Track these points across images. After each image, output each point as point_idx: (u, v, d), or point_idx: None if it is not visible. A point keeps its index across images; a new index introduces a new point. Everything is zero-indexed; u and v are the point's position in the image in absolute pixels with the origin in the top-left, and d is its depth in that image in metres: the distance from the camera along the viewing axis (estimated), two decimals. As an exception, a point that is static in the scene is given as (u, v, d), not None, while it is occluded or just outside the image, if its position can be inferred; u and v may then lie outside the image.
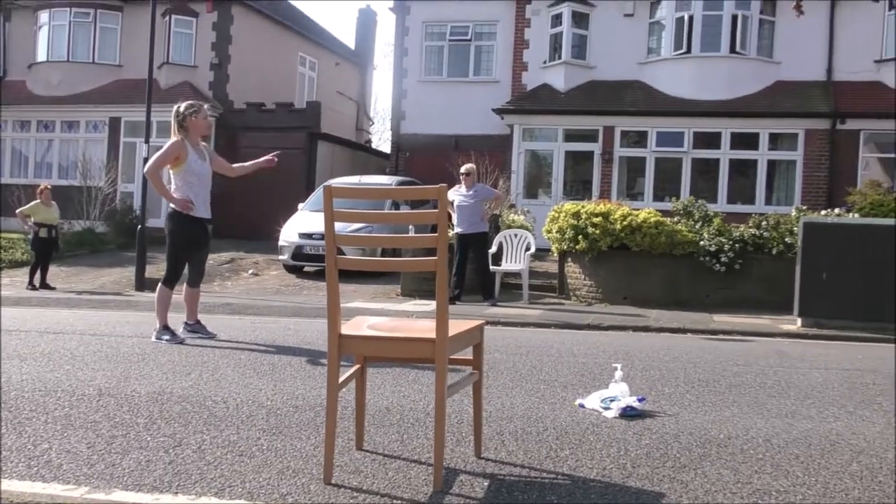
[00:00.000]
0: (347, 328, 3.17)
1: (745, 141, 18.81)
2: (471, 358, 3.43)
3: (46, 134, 23.58)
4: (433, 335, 2.96)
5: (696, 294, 11.39)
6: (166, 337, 6.74)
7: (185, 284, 7.14)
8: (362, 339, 3.12)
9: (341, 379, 3.11)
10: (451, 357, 3.13)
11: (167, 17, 21.94)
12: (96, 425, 3.72)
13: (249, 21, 23.58)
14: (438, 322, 2.95)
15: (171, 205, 6.86)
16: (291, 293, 13.09)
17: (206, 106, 7.33)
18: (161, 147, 6.95)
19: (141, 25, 19.65)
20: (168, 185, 6.92)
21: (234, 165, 7.45)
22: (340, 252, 3.17)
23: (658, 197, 18.40)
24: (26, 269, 14.29)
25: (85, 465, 3.08)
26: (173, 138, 6.81)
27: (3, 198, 20.20)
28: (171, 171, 6.89)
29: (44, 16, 23.51)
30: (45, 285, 13.67)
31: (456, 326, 3.17)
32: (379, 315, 9.42)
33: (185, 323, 7.11)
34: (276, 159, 7.28)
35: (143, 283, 13.55)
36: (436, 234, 2.94)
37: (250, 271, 15.66)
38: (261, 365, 5.56)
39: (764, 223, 11.62)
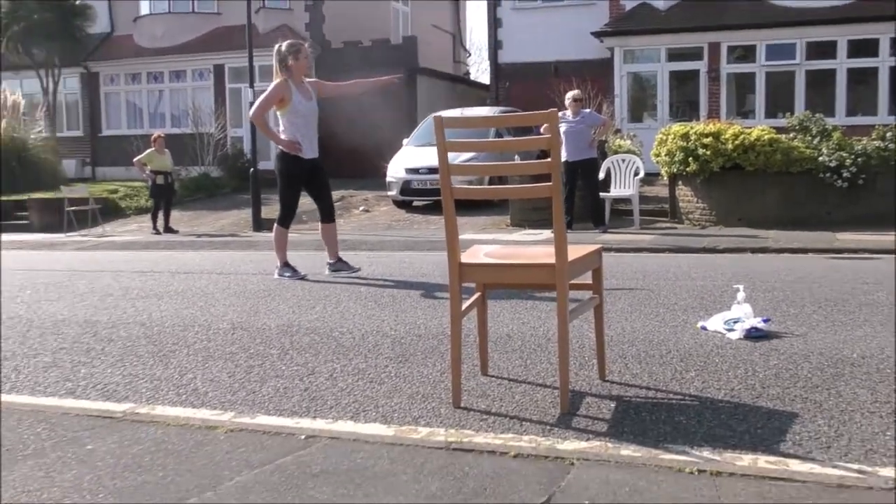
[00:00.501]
0: (466, 257, 3.21)
1: (864, 48, 17.64)
2: (590, 282, 3.42)
3: (156, 85, 24.40)
4: (552, 261, 2.97)
5: (816, 212, 10.95)
6: (287, 274, 6.94)
7: (319, 223, 7.23)
8: (482, 266, 3.15)
9: (463, 307, 3.16)
10: (571, 282, 3.14)
11: (262, -39, 22.14)
12: (234, 356, 3.93)
13: (343, -42, 23.54)
14: (557, 247, 2.94)
15: (279, 146, 6.93)
16: (402, 227, 13.30)
17: (306, 44, 7.28)
18: (265, 90, 7.00)
19: (238, -29, 19.89)
20: (276, 128, 7.01)
21: (351, 82, 7.35)
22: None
23: (770, 113, 17.60)
24: (150, 216, 14.98)
25: (228, 393, 3.27)
26: (276, 80, 6.81)
27: (123, 148, 21.14)
28: (277, 113, 6.92)
29: (144, -31, 24.14)
30: (168, 229, 14.34)
31: (574, 251, 3.16)
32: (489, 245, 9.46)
33: (328, 263, 7.15)
34: (397, 80, 7.25)
35: (259, 224, 14.03)
36: (548, 160, 2.92)
37: (361, 208, 15.96)
38: (381, 297, 5.71)
39: (889, 134, 11.00)
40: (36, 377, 3.61)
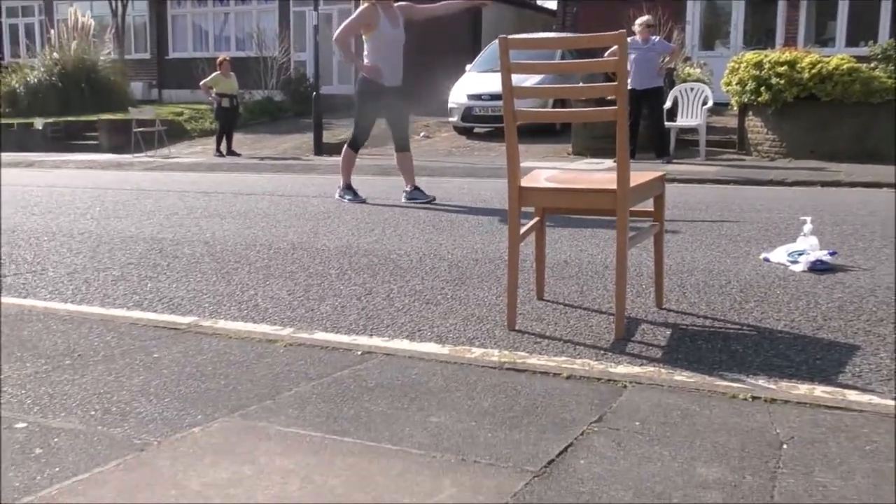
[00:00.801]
0: (527, 181, 3.18)
1: (958, -28, 16.63)
2: (651, 210, 3.37)
3: (222, 7, 24.42)
4: (614, 186, 2.92)
5: (893, 146, 10.51)
6: (349, 196, 6.98)
7: (395, 153, 7.09)
8: (542, 190, 3.12)
9: (522, 231, 3.15)
10: (632, 209, 3.09)
11: None
12: (293, 275, 4.00)
13: None
14: (620, 173, 2.90)
15: (360, 71, 6.78)
16: (463, 154, 13.23)
17: None
18: (330, 13, 6.90)
19: None
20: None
21: (441, 3, 7.07)
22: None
23: (852, 42, 16.79)
24: (214, 138, 15.19)
25: (287, 310, 3.35)
26: (364, 4, 6.64)
27: (189, 71, 21.34)
28: (364, 37, 6.75)
29: None
30: (231, 152, 14.52)
31: (636, 178, 3.10)
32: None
33: (403, 191, 7.05)
34: (489, 1, 7.04)
35: (320, 148, 14.12)
36: (614, 84, 2.85)
37: (422, 134, 15.90)
38: (439, 222, 5.72)
39: (978, 65, 10.44)
40: (105, 289, 3.74)
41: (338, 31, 6.74)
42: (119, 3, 23.40)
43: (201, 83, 15.07)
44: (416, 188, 7.02)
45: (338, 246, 4.77)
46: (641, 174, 3.24)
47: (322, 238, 5.07)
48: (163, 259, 4.43)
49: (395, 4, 6.81)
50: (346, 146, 7.11)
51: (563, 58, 12.36)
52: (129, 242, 4.99)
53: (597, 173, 3.41)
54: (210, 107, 15.99)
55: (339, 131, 16.52)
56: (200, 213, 6.42)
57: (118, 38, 23.02)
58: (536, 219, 3.38)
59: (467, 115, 14.71)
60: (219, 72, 14.77)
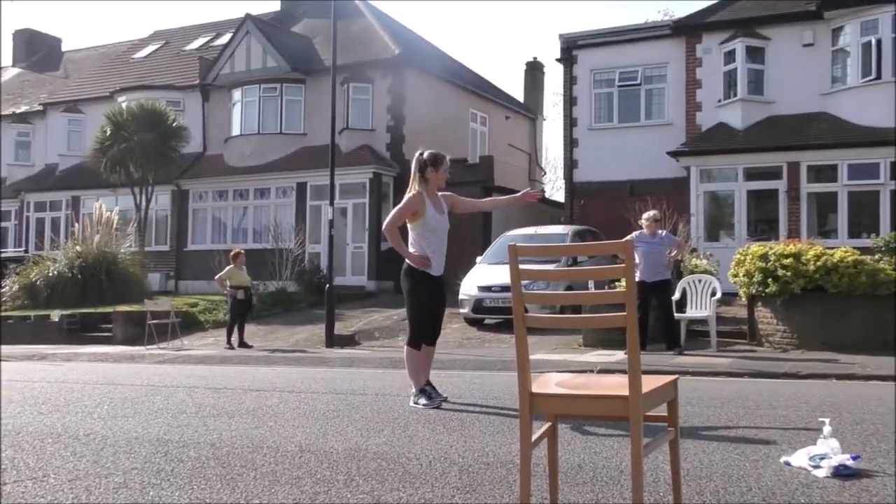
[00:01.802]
0: (537, 386, 3.15)
1: (951, 167, 17.25)
2: (665, 415, 3.31)
3: (241, 202, 25.42)
4: (626, 392, 2.89)
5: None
6: (423, 401, 6.37)
7: (423, 346, 6.60)
8: (554, 397, 3.08)
9: (534, 438, 3.08)
10: (645, 414, 3.04)
11: (345, 86, 23.21)
12: (300, 482, 3.89)
13: (421, 82, 24.53)
14: (631, 379, 2.87)
15: (407, 261, 6.49)
16: (473, 346, 13.23)
17: (448, 157, 6.73)
18: (394, 206, 6.50)
19: (322, 95, 20.88)
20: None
21: (488, 200, 6.93)
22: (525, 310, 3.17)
23: (854, 234, 17.22)
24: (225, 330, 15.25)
25: (292, 522, 3.22)
26: (412, 191, 6.45)
27: (206, 262, 21.88)
28: (408, 225, 6.51)
29: (237, 94, 25.60)
30: (243, 344, 14.56)
31: (649, 382, 3.07)
32: (563, 366, 9.29)
33: (422, 389, 6.54)
34: (537, 199, 6.82)
35: (332, 340, 14.14)
36: (623, 290, 2.89)
37: (431, 325, 15.97)
38: (450, 421, 5.63)
39: (981, 257, 10.59)
40: (106, 497, 3.63)
41: (387, 220, 6.53)
42: (144, 198, 24.39)
43: (216, 277, 15.36)
44: (429, 383, 6.64)
45: (346, 448, 4.67)
46: (654, 378, 3.21)
47: (331, 439, 4.98)
48: (167, 463, 4.33)
49: (440, 193, 6.66)
50: (406, 346, 6.63)
51: (571, 260, 12.49)
52: (134, 444, 4.91)
53: (608, 377, 3.38)
54: (224, 298, 16.22)
55: (350, 322, 16.67)
56: (209, 410, 6.35)
57: (140, 230, 23.81)
58: (549, 424, 3.31)
59: (478, 306, 14.85)
60: (233, 265, 15.09)
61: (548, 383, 3.27)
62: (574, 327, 11.27)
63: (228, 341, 14.60)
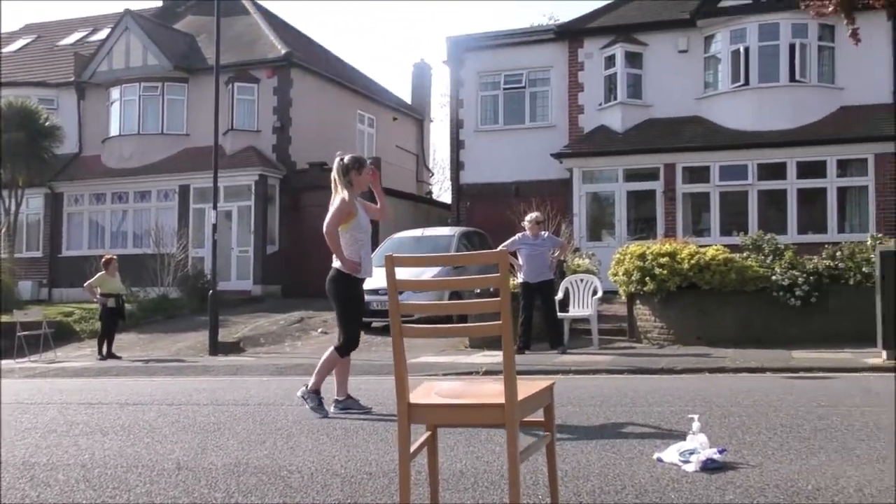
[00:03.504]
0: (416, 396, 3.17)
1: (813, 169, 18.37)
2: (542, 419, 3.38)
3: (120, 205, 24.44)
4: (502, 400, 2.94)
5: (772, 331, 11.08)
6: (311, 403, 6.33)
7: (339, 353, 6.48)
8: (431, 407, 3.10)
9: (413, 447, 3.09)
10: (522, 420, 3.10)
11: (230, 86, 22.68)
12: (176, 501, 3.77)
13: (308, 84, 24.22)
14: (507, 388, 2.92)
15: (336, 265, 6.37)
16: (360, 350, 13.04)
17: (368, 160, 6.68)
18: (332, 208, 6.36)
19: (206, 95, 20.31)
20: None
21: (380, 201, 6.75)
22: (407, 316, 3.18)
23: (725, 232, 18.07)
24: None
25: (166, 545, 3.12)
26: (342, 194, 6.33)
27: (82, 269, 20.93)
28: (339, 230, 6.38)
29: (115, 92, 24.57)
30: (111, 355, 13.90)
31: (525, 389, 3.13)
32: (450, 368, 9.34)
33: (336, 400, 6.51)
34: (374, 168, 6.65)
35: (216, 348, 13.77)
36: (497, 299, 2.94)
37: (319, 330, 15.82)
38: (333, 430, 5.57)
39: (838, 253, 11.31)
40: (-37, 528, 3.43)
41: (327, 224, 6.34)
42: (13, 201, 23.10)
43: (85, 284, 14.71)
44: (350, 396, 6.58)
45: (226, 463, 4.55)
46: (531, 384, 3.27)
47: (210, 455, 4.84)
48: (32, 489, 4.11)
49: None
50: (333, 349, 6.47)
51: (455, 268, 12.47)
52: (-3, 468, 4.63)
53: (489, 384, 3.42)
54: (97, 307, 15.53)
55: (235, 328, 16.29)
56: (81, 428, 6.07)
57: (9, 236, 22.55)
58: (428, 433, 3.33)
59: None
60: (104, 272, 14.43)
61: (428, 393, 3.28)
62: (451, 336, 11.35)
63: (100, 352, 13.96)
